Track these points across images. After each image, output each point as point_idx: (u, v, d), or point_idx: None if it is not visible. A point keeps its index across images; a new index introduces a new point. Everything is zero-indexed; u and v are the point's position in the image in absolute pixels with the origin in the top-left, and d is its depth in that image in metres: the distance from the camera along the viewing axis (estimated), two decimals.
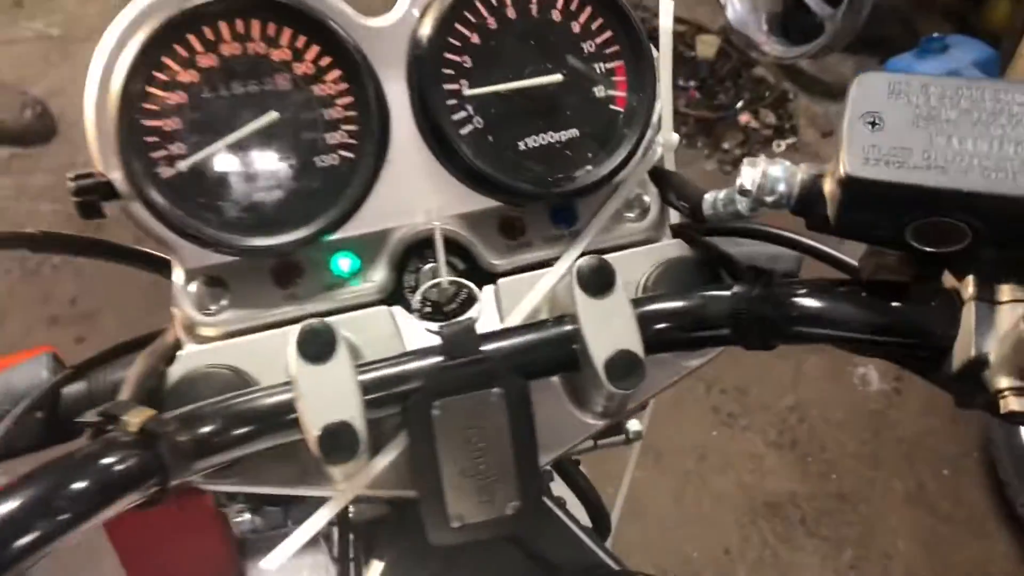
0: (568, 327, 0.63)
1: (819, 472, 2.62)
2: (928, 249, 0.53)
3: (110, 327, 2.62)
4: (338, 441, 0.57)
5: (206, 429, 0.57)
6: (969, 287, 0.54)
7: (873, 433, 2.71)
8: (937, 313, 0.57)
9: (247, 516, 1.12)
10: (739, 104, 3.37)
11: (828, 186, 0.55)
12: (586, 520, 1.05)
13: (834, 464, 2.64)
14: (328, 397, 0.58)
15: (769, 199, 0.58)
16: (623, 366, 0.60)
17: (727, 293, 0.63)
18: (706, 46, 3.55)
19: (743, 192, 0.59)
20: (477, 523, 0.63)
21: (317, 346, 0.58)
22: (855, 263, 0.65)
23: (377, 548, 0.86)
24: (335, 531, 1.20)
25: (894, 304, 0.58)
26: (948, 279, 0.57)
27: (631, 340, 0.61)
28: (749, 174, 0.58)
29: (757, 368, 2.80)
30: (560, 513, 0.78)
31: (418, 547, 0.66)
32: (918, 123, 0.52)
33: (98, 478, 0.50)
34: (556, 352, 0.63)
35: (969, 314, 0.53)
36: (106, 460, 0.51)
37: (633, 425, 1.09)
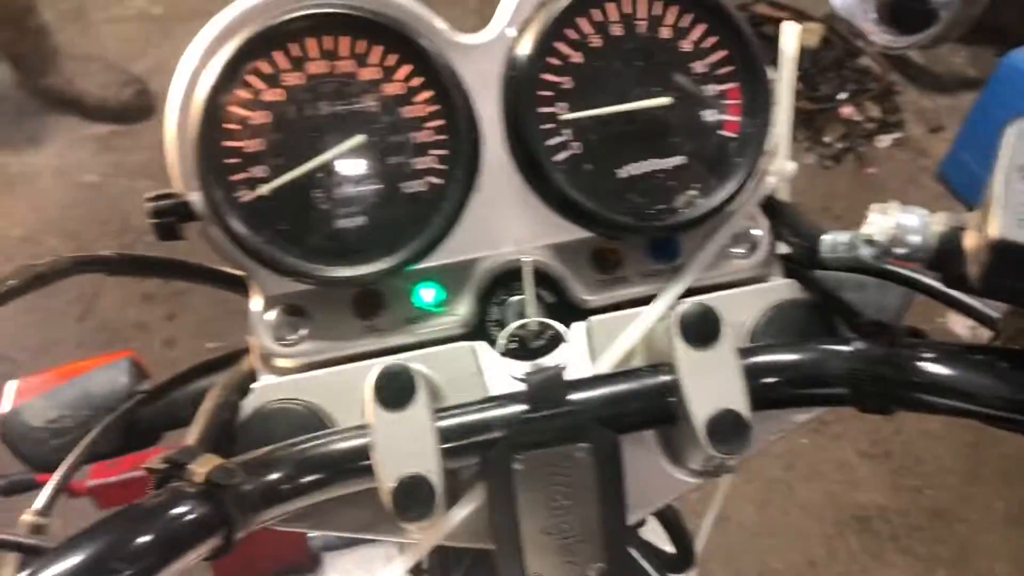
0: (665, 378, 0.57)
1: (913, 486, 2.50)
2: None
3: (201, 306, 2.66)
4: (413, 496, 0.53)
5: (275, 476, 0.54)
6: None
7: (972, 448, 2.57)
8: None
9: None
10: (842, 96, 3.22)
11: (971, 242, 0.49)
12: (669, 546, 1.00)
13: (929, 478, 2.52)
14: (404, 447, 0.54)
15: (900, 251, 0.52)
16: (726, 427, 0.55)
17: (847, 349, 0.57)
18: (809, 34, 3.39)
19: (870, 242, 0.53)
20: None
21: (395, 391, 0.55)
22: (995, 315, 0.59)
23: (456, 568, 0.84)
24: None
25: None
26: None
27: (737, 399, 0.55)
28: (879, 224, 0.52)
29: None
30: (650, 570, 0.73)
31: None
32: None
33: (162, 534, 0.48)
34: (650, 405, 0.58)
35: None
36: (171, 514, 0.49)
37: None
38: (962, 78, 3.31)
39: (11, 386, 0.77)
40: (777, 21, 3.42)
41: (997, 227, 0.45)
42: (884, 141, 3.15)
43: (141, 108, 3.10)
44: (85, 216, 2.97)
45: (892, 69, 3.31)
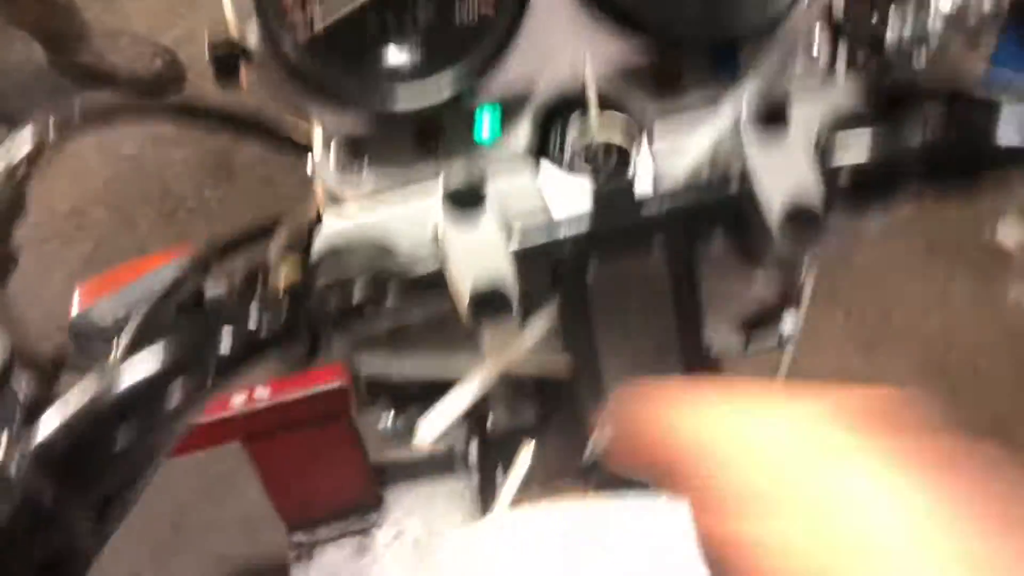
0: (736, 182, 0.57)
1: (971, 399, 2.47)
2: None
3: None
4: (491, 303, 0.53)
5: (356, 290, 0.54)
6: None
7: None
8: None
9: (389, 416, 1.11)
10: None
11: None
12: None
13: (986, 390, 2.48)
14: (479, 257, 0.54)
15: (972, 17, 0.50)
16: (801, 219, 0.54)
17: (914, 130, 0.55)
18: None
19: (936, 10, 0.52)
20: None
21: (466, 199, 0.55)
22: None
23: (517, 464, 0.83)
24: (474, 449, 1.18)
25: None
26: None
27: (809, 188, 0.54)
28: None
29: (900, 290, 2.65)
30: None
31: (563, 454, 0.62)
32: None
33: (244, 334, 0.48)
34: (722, 206, 0.57)
35: None
36: (253, 316, 0.49)
37: (786, 326, 1.01)
38: None
39: (78, 290, 0.78)
40: None
41: None
42: None
43: (173, 78, 3.12)
44: (127, 187, 3.00)
45: None
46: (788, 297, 0.96)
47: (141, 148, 3.08)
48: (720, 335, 0.93)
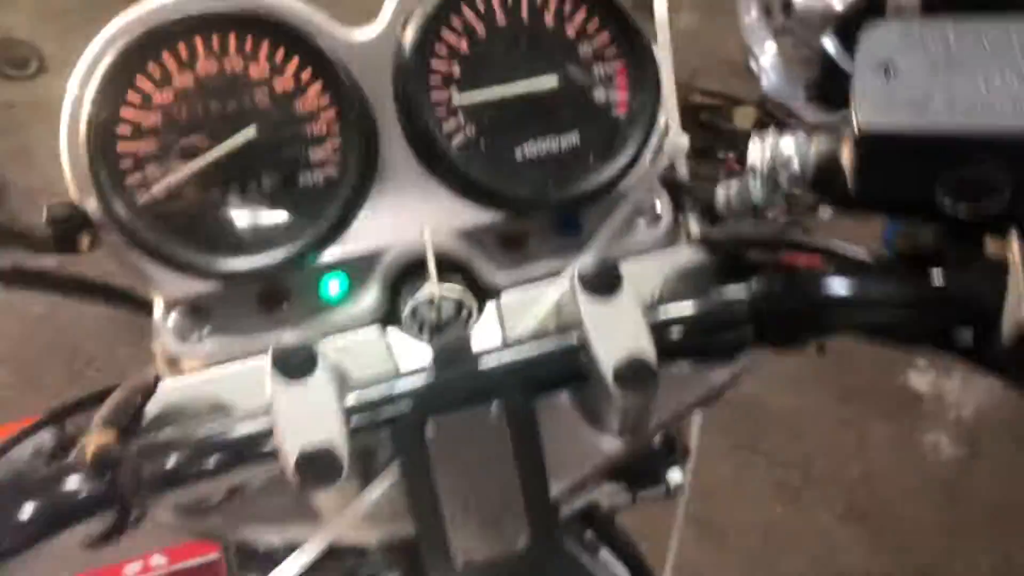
0: (574, 337, 0.57)
1: (895, 546, 2.45)
2: (963, 210, 0.47)
3: None
4: (318, 465, 0.52)
5: (173, 456, 0.52)
6: (1014, 247, 0.47)
7: (950, 501, 2.54)
8: (980, 281, 0.50)
9: None
10: None
11: (846, 151, 0.50)
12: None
13: (910, 536, 2.47)
14: (308, 420, 0.53)
15: (783, 176, 0.53)
16: (634, 373, 0.54)
17: (746, 288, 0.57)
18: (743, 117, 3.52)
19: (752, 171, 0.54)
20: (484, 562, 0.57)
21: (295, 362, 0.54)
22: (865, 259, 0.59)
23: None
24: None
25: (932, 278, 0.51)
26: (990, 245, 0.51)
27: (641, 344, 0.55)
28: (757, 150, 0.53)
29: (819, 439, 2.67)
30: (584, 556, 0.70)
31: None
32: (938, 68, 0.47)
33: (45, 504, 0.45)
34: (561, 363, 0.57)
35: (1017, 277, 0.47)
36: (57, 486, 0.47)
37: (673, 476, 1.01)
38: None
39: None
40: (711, 108, 3.56)
41: (858, 121, 0.46)
42: (824, 212, 3.23)
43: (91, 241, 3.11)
44: (36, 347, 2.93)
45: None
46: (673, 447, 0.96)
47: (52, 307, 3.03)
48: (604, 489, 0.92)
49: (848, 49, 2.97)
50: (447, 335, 0.56)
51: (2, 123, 3.57)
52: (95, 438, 0.49)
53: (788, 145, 0.52)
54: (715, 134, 3.49)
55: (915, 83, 0.45)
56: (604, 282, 0.56)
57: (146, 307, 0.66)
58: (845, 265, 0.55)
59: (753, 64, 3.71)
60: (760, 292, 0.55)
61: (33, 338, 2.93)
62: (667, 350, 0.56)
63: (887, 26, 0.48)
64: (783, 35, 3.58)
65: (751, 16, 3.85)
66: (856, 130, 0.46)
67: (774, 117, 3.50)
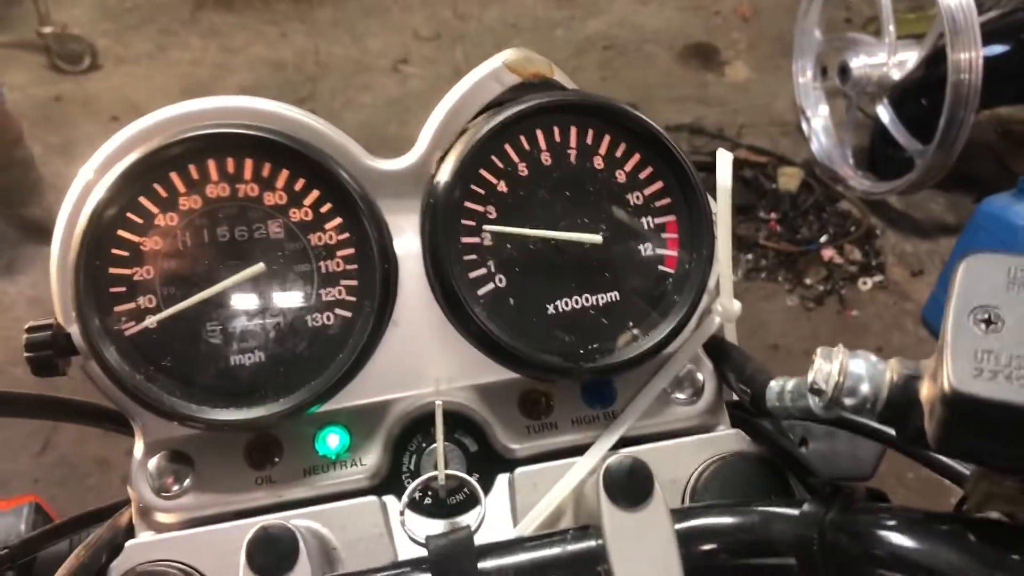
0: (592, 543, 0.50)
1: None
2: None
3: None
4: None
5: None
6: None
7: None
8: None
9: None
10: (823, 238, 3.23)
11: (927, 393, 0.42)
12: None
13: None
14: None
15: (848, 401, 0.46)
16: None
17: (795, 512, 0.50)
18: (788, 178, 3.44)
19: (815, 391, 0.47)
20: None
21: (272, 558, 0.47)
22: (967, 472, 0.52)
23: None
24: None
25: (1010, 549, 0.43)
26: None
27: (669, 569, 0.48)
28: (823, 370, 0.46)
29: None
30: None
31: None
32: None
33: None
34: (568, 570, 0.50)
35: None
36: None
37: None
38: (941, 223, 3.33)
39: None
40: (757, 166, 3.48)
41: (949, 378, 0.39)
42: (866, 284, 3.13)
43: None
44: None
45: (872, 213, 3.33)
46: None
47: None
48: None
49: (902, 119, 2.86)
50: (448, 536, 0.49)
51: (49, 116, 3.57)
52: None
53: (858, 368, 0.45)
54: (758, 193, 3.41)
55: (1020, 340, 0.38)
56: (634, 491, 0.49)
57: (131, 428, 0.61)
58: (910, 513, 0.47)
59: (804, 125, 3.61)
60: (809, 523, 0.48)
61: None
62: (697, 568, 0.49)
63: (992, 260, 0.41)
64: (837, 99, 3.47)
65: (806, 77, 3.75)
66: (946, 386, 0.39)
67: (820, 181, 3.40)
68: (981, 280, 0.41)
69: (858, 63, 3.12)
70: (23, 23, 3.83)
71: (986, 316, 0.40)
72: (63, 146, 3.43)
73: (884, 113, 3.14)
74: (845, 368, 0.46)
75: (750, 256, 3.21)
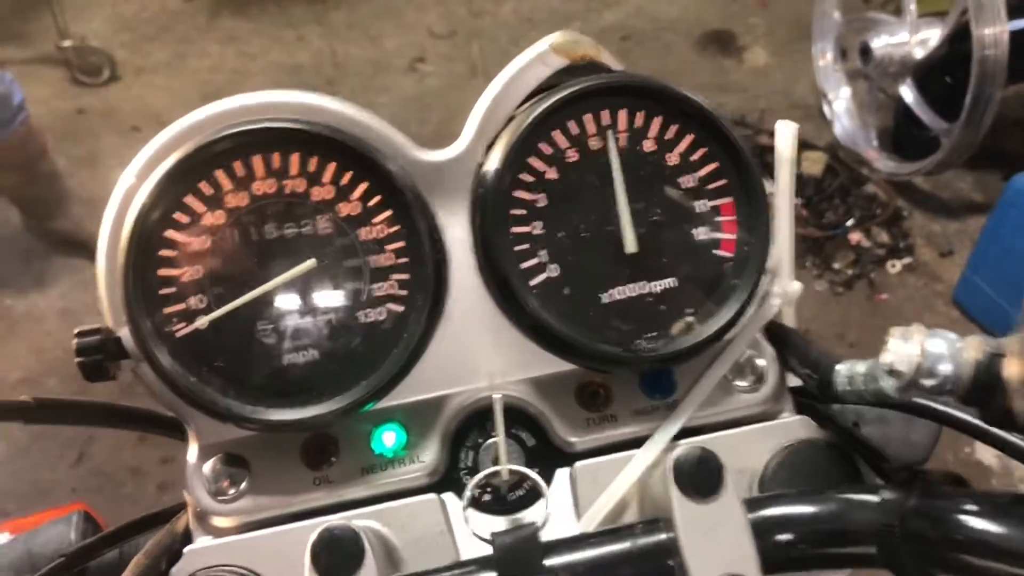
0: (662, 536, 0.49)
1: None
2: None
3: None
4: None
5: None
6: None
7: None
8: None
9: None
10: (849, 222, 3.19)
11: (1012, 371, 0.41)
12: None
13: None
14: None
15: (928, 383, 0.44)
16: None
17: (874, 499, 0.48)
18: (812, 163, 3.40)
19: (893, 372, 0.45)
20: None
21: (338, 560, 0.46)
22: None
23: None
24: None
25: None
26: None
27: (745, 561, 0.46)
28: (901, 351, 0.45)
29: None
30: None
31: None
32: None
33: None
34: (645, 571, 0.48)
35: None
36: None
37: None
38: (969, 202, 3.28)
39: None
40: None
41: None
42: (895, 267, 3.09)
43: None
44: None
45: (898, 195, 3.29)
46: None
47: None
48: None
49: (926, 98, 2.81)
50: (514, 532, 0.48)
51: (72, 129, 3.59)
52: None
53: (938, 348, 0.43)
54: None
55: None
56: (705, 482, 0.48)
57: (183, 432, 0.60)
58: (994, 496, 0.45)
59: (826, 108, 3.57)
60: (889, 511, 0.46)
61: None
62: (773, 563, 0.47)
63: None
64: (858, 80, 3.42)
65: (826, 59, 3.70)
66: None
67: (844, 164, 3.35)
68: None
69: (879, 43, 3.08)
70: (42, 38, 3.85)
71: None
72: (87, 158, 3.45)
73: (908, 93, 3.10)
74: (924, 348, 0.44)
75: None
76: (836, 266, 3.10)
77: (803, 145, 3.49)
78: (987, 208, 2.94)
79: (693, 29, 3.99)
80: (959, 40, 2.86)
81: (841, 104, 3.42)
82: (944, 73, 3.03)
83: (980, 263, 2.75)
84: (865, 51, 3.13)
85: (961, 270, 2.87)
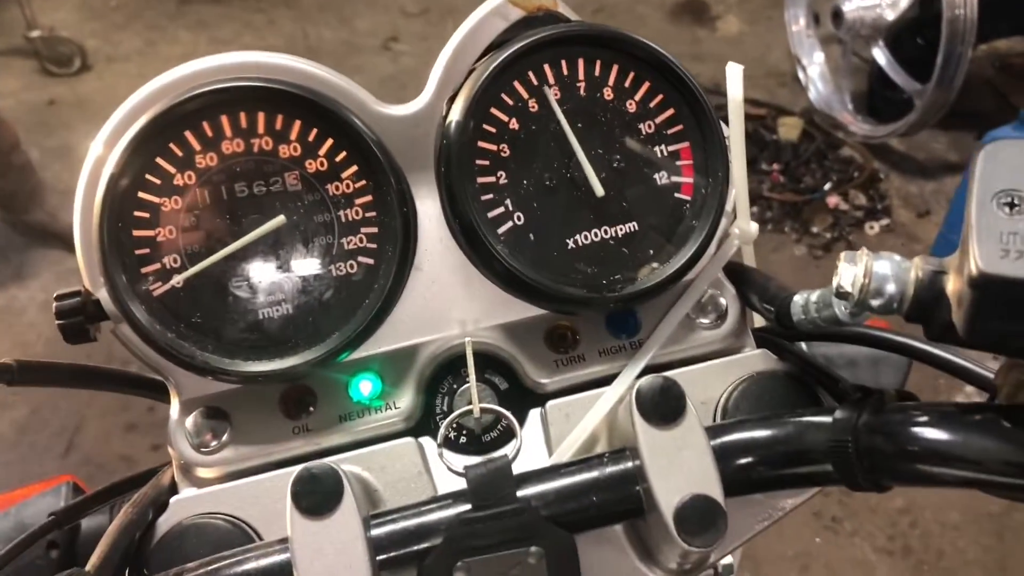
0: (628, 464, 0.51)
1: None
2: None
3: None
4: None
5: None
6: None
7: (996, 538, 2.44)
8: None
9: None
10: (827, 186, 3.22)
11: (953, 286, 0.43)
12: None
13: (954, 573, 2.38)
14: (331, 560, 0.47)
15: (875, 302, 0.46)
16: (699, 515, 0.48)
17: (827, 419, 0.50)
18: (788, 128, 3.43)
19: (841, 295, 0.47)
20: None
21: (318, 495, 0.48)
22: (990, 375, 0.52)
23: None
24: None
25: None
26: None
27: (708, 482, 0.48)
28: (849, 272, 0.47)
29: None
30: None
31: None
32: None
33: None
34: (613, 497, 0.50)
35: None
36: None
37: (723, 559, 0.94)
38: (944, 162, 3.32)
39: None
40: (756, 118, 3.46)
41: (976, 261, 0.39)
42: (873, 228, 3.13)
43: None
44: (70, 349, 2.92)
45: (874, 157, 3.32)
46: None
47: None
48: None
49: (899, 60, 2.82)
50: (485, 465, 0.50)
51: (44, 120, 3.57)
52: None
53: (883, 269, 0.45)
54: (760, 146, 3.39)
55: None
56: (667, 409, 0.50)
57: (164, 392, 0.61)
58: (942, 407, 0.47)
59: (800, 74, 3.58)
60: (842, 429, 0.48)
61: None
62: (735, 484, 0.49)
63: (1013, 146, 0.41)
64: (831, 45, 3.43)
65: (799, 25, 3.70)
66: (973, 269, 0.39)
67: (820, 128, 3.37)
68: (1002, 165, 0.41)
69: (851, 7, 3.10)
70: (10, 29, 3.81)
71: (1009, 200, 0.40)
72: (60, 149, 3.44)
73: (880, 55, 3.12)
74: (870, 269, 0.46)
75: (755, 208, 3.20)
76: (815, 230, 3.13)
77: (779, 111, 3.51)
78: (962, 167, 2.98)
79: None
80: (929, 1, 2.89)
81: (815, 69, 3.44)
82: (915, 35, 3.05)
83: (956, 221, 2.77)
84: (837, 15, 3.15)
85: (938, 229, 2.91)
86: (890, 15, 3.08)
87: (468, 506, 0.50)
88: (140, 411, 2.73)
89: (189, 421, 0.58)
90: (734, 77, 0.60)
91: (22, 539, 0.58)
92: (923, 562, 2.41)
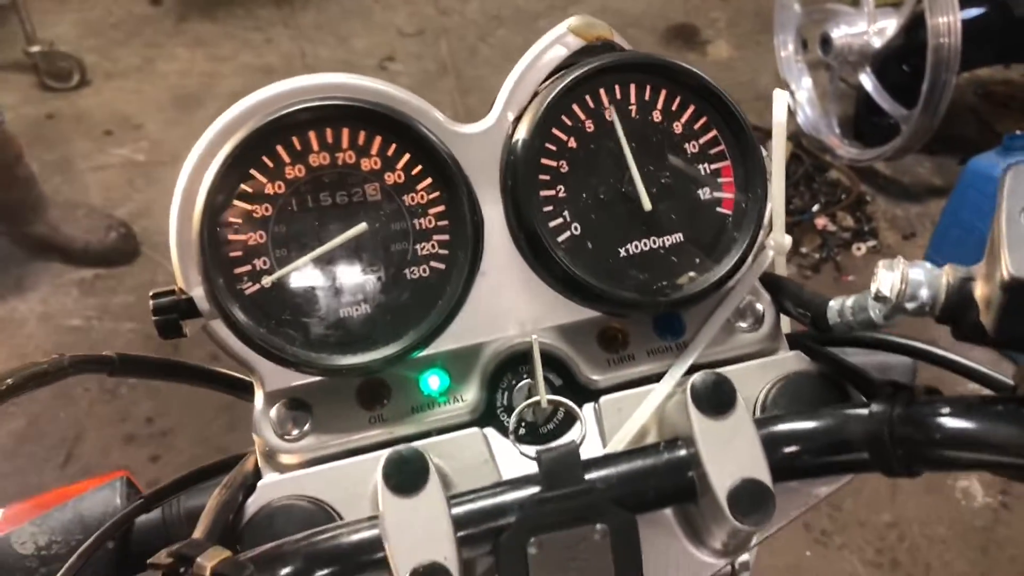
0: (683, 452, 0.56)
1: None
2: None
3: (185, 446, 2.61)
4: None
5: (286, 570, 0.52)
6: None
7: (981, 552, 2.51)
8: None
9: None
10: (815, 208, 3.31)
11: (982, 290, 0.49)
12: None
13: None
14: (419, 535, 0.52)
15: (910, 305, 0.52)
16: (750, 497, 0.53)
17: (864, 412, 0.56)
18: None
19: (880, 298, 0.53)
20: None
21: (407, 476, 0.53)
22: (1005, 380, 0.58)
23: None
24: None
25: None
26: None
27: (757, 467, 0.54)
28: (887, 278, 0.52)
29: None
30: None
31: None
32: None
33: None
34: (670, 481, 0.56)
35: None
36: None
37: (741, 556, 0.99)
38: (929, 186, 3.41)
39: (2, 512, 0.74)
40: None
41: (1008, 267, 0.45)
42: (860, 249, 3.21)
43: (126, 251, 3.12)
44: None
45: (861, 180, 3.41)
46: None
47: (87, 320, 3.04)
48: None
49: (885, 86, 2.92)
50: (556, 449, 0.55)
51: (43, 134, 3.59)
52: (211, 555, 0.49)
53: (918, 275, 0.51)
54: None
55: None
56: (719, 401, 0.55)
57: (248, 391, 0.66)
58: (966, 400, 0.53)
59: (789, 98, 3.66)
60: (878, 421, 0.54)
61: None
62: (781, 470, 0.55)
63: None
64: (819, 70, 3.52)
65: (787, 50, 3.80)
66: (1005, 275, 0.45)
67: (808, 151, 3.45)
68: None
69: (839, 33, 3.19)
70: (9, 44, 3.84)
71: None
72: (59, 163, 3.46)
73: (867, 81, 3.21)
74: (906, 275, 0.52)
75: None
76: (804, 250, 3.21)
77: (767, 135, 3.59)
78: (946, 191, 3.06)
79: (657, 24, 4.09)
80: (915, 29, 2.98)
81: (803, 94, 3.53)
82: (901, 61, 3.15)
83: (941, 243, 2.87)
84: (825, 41, 3.25)
85: (923, 251, 2.99)
86: (877, 42, 3.17)
87: (539, 488, 0.55)
88: (139, 422, 2.75)
89: (273, 411, 0.63)
90: (779, 102, 0.66)
91: (115, 520, 0.62)
92: (911, 574, 2.47)
